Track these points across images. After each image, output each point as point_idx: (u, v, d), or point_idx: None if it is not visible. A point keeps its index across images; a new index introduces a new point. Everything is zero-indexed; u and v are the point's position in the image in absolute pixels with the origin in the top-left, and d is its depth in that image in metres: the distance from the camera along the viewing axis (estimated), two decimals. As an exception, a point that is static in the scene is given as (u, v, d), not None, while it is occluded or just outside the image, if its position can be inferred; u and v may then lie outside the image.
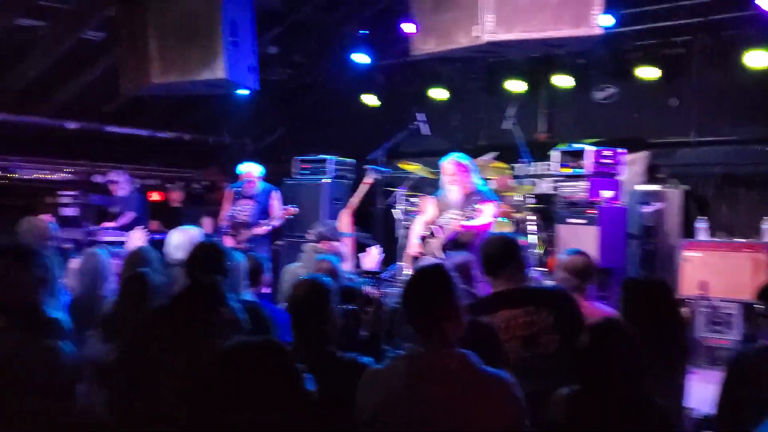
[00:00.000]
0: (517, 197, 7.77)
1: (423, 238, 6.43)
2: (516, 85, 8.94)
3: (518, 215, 7.64)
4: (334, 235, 6.15)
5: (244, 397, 1.93)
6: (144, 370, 2.87)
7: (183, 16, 6.48)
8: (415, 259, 6.39)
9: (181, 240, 5.19)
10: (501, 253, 3.60)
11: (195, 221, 9.08)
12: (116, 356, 3.14)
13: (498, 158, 8.64)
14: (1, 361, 2.69)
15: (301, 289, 3.11)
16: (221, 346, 2.08)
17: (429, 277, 2.64)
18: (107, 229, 9.01)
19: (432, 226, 6.40)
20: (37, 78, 8.69)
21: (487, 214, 6.28)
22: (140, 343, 2.96)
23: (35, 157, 10.39)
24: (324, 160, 9.46)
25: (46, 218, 6.30)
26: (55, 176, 10.71)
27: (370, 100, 9.81)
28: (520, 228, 7.50)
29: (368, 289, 4.65)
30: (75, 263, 4.91)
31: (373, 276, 5.56)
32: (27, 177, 10.45)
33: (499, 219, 7.42)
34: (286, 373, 2.01)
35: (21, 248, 3.08)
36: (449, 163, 6.48)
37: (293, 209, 8.00)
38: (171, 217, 9.80)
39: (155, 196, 11.26)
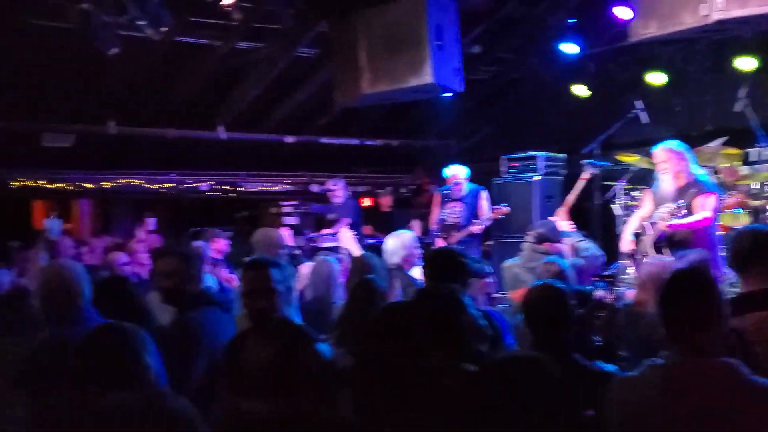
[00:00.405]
0: (754, 185, 7.03)
1: (637, 235, 5.94)
2: (747, 63, 8.10)
3: (756, 203, 6.91)
4: (555, 236, 5.91)
5: (516, 411, 1.85)
6: (383, 374, 2.88)
7: (390, 26, 6.63)
8: (629, 257, 5.95)
9: (396, 245, 5.27)
10: (752, 248, 3.20)
11: (405, 225, 9.24)
12: (355, 360, 3.18)
13: (727, 143, 7.88)
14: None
15: (538, 295, 2.99)
16: (482, 357, 2.01)
17: (689, 282, 2.39)
18: (326, 235, 9.41)
19: (644, 222, 5.88)
20: (257, 97, 9.30)
21: (705, 208, 5.44)
22: (381, 348, 2.98)
23: (258, 171, 11.15)
24: (533, 157, 9.19)
25: (281, 229, 6.71)
26: (277, 188, 11.42)
27: (581, 90, 9.39)
28: (759, 219, 6.78)
29: (599, 292, 4.39)
30: (304, 270, 5.14)
31: (603, 278, 5.25)
32: (252, 189, 11.25)
33: (733, 211, 6.76)
34: (555, 392, 1.90)
35: (263, 260, 3.24)
36: (661, 150, 5.75)
37: (505, 209, 7.86)
38: (382, 222, 10.05)
39: (367, 202, 11.63)
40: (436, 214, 8.25)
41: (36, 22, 6.99)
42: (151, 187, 10.23)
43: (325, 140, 10.83)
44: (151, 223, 8.81)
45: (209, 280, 5.46)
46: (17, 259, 6.93)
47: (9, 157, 9.12)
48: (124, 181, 10.00)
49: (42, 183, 9.58)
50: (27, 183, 9.46)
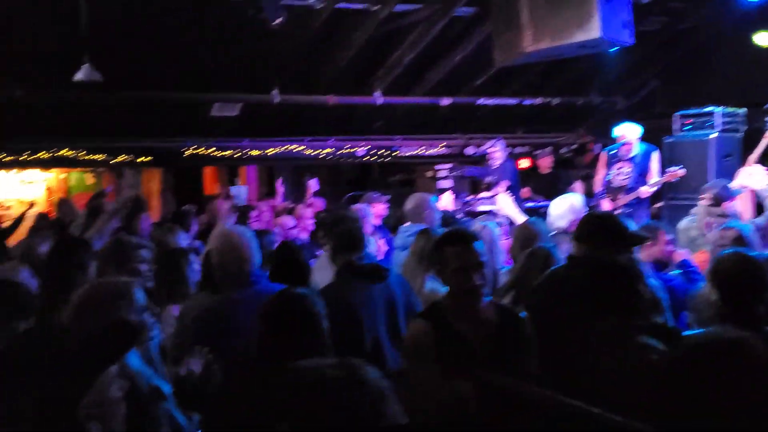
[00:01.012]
0: None
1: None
2: None
3: None
4: (730, 196, 5.46)
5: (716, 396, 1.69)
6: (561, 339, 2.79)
7: (555, -18, 6.33)
8: None
9: (564, 208, 5.06)
10: None
11: (566, 186, 8.89)
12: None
13: None
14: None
15: (732, 265, 2.75)
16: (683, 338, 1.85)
17: None
18: (483, 199, 9.26)
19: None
20: (413, 60, 9.23)
21: None
22: (558, 313, 2.87)
23: (414, 135, 11.15)
24: (710, 113, 8.51)
25: (444, 193, 6.62)
26: (432, 151, 11.38)
27: (764, 39, 8.56)
28: None
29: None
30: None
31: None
32: (408, 153, 11.27)
33: None
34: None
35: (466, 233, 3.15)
36: None
37: (680, 171, 7.35)
38: (542, 184, 9.75)
39: (525, 163, 11.33)
40: (601, 175, 7.87)
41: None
42: (312, 153, 10.51)
43: (481, 101, 10.62)
44: (314, 184, 9.02)
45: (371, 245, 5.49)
46: (192, 223, 7.31)
47: (181, 127, 9.71)
48: (286, 147, 10.33)
49: (211, 151, 10.09)
50: (198, 152, 10.00)
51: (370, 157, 10.95)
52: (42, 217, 7.63)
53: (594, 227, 3.44)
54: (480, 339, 2.86)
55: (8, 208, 11.37)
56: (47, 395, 2.16)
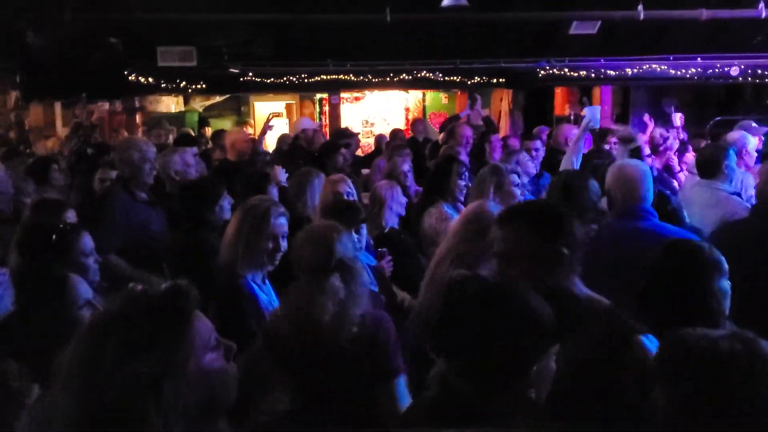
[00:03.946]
0: None
1: None
2: None
3: None
4: None
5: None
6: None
7: None
8: None
9: None
10: None
11: None
12: None
13: None
14: None
15: None
16: None
17: None
18: None
19: None
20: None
21: None
22: None
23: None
24: None
25: None
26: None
27: None
28: None
29: None
30: None
31: None
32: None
33: None
34: None
35: None
36: None
37: None
38: None
39: None
40: None
41: None
42: (676, 72, 9.62)
43: None
44: (679, 118, 8.18)
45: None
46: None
47: (536, 47, 9.54)
48: (647, 67, 9.59)
49: (566, 71, 9.78)
50: (552, 72, 9.76)
51: (745, 78, 9.69)
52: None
53: None
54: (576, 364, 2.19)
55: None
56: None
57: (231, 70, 9.30)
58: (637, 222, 3.11)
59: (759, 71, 9.68)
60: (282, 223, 2.90)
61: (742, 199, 4.12)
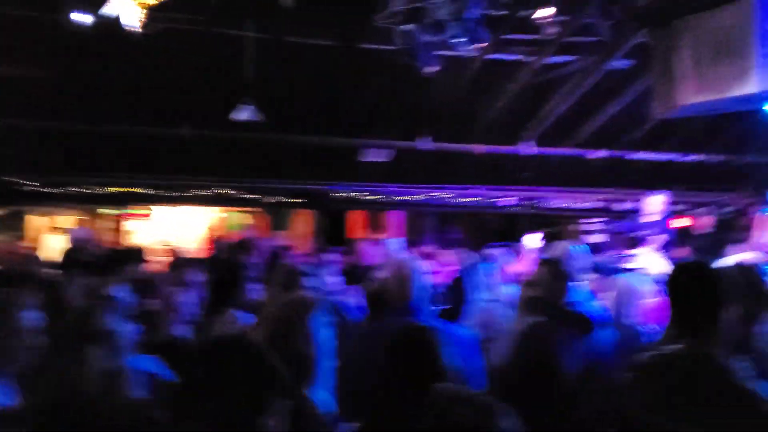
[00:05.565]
0: None
1: None
2: None
3: None
4: None
5: None
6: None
7: (715, 34, 6.16)
8: None
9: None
10: None
11: (723, 248, 8.36)
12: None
13: None
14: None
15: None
16: None
17: None
18: (631, 255, 8.89)
19: None
20: (565, 112, 9.13)
21: None
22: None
23: (560, 187, 10.93)
24: None
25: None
26: (582, 204, 11.09)
27: None
28: None
29: None
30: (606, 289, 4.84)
31: None
32: (556, 206, 11.05)
33: None
34: None
35: None
36: None
37: None
38: (698, 245, 9.23)
39: (683, 222, 10.77)
40: (759, 238, 7.36)
41: (361, 47, 7.63)
42: (460, 200, 10.54)
43: (635, 156, 10.29)
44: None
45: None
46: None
47: (331, 171, 10.04)
48: (434, 194, 10.43)
49: (359, 195, 10.32)
50: (346, 195, 10.26)
51: (517, 208, 10.83)
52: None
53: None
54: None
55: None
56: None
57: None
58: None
59: (529, 202, 10.87)
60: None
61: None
